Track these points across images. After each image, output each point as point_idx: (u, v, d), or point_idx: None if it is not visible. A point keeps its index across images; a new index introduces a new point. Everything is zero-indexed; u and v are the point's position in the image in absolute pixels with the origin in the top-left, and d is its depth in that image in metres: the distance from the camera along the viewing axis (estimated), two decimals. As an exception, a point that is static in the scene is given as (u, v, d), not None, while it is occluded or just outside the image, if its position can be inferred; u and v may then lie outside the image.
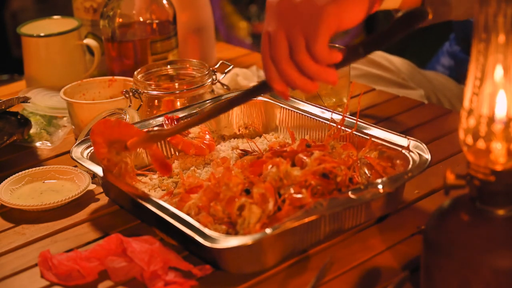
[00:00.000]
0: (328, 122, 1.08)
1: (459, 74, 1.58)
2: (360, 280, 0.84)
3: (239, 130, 1.18)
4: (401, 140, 0.99)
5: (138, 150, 1.07)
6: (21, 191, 1.06)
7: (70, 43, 1.40)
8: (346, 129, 1.05)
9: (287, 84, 0.84)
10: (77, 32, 1.41)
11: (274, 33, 0.84)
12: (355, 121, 1.05)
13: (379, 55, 1.54)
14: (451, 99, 1.51)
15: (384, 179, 0.89)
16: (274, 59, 0.84)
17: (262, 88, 0.89)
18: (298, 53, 0.81)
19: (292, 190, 0.88)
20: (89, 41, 1.42)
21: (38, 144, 1.24)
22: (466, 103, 0.71)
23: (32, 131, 1.25)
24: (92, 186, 1.05)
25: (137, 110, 1.17)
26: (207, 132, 1.12)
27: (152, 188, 1.03)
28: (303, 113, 1.12)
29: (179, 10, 1.43)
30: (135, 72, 1.21)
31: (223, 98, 1.17)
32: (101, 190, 1.05)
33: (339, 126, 1.04)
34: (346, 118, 1.06)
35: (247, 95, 0.93)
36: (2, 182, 1.06)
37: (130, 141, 0.98)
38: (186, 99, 1.19)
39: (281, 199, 0.87)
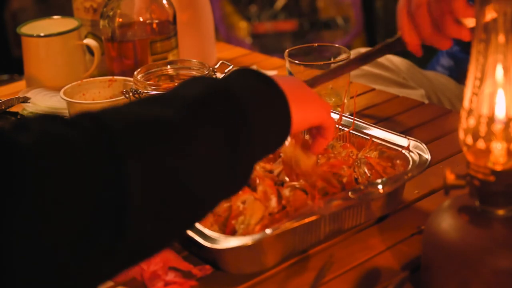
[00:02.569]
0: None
1: (459, 74, 1.58)
2: (360, 280, 0.84)
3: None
4: (401, 140, 0.99)
5: None
6: (21, 191, 1.06)
7: (70, 43, 1.40)
8: (344, 128, 1.05)
9: (422, 39, 0.89)
10: (77, 32, 1.41)
11: None
12: (353, 121, 1.05)
13: None
14: (451, 99, 1.51)
15: (384, 179, 0.89)
16: (414, 14, 0.89)
17: (396, 44, 0.94)
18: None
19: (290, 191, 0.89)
20: (89, 41, 1.42)
21: (38, 144, 1.24)
22: (466, 103, 0.71)
23: (32, 131, 1.25)
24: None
25: (137, 110, 1.16)
26: None
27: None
28: (303, 113, 1.12)
29: (179, 10, 1.43)
30: (135, 72, 1.21)
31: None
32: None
33: (336, 126, 1.04)
34: (346, 118, 1.06)
35: (381, 51, 0.97)
36: (2, 182, 1.06)
37: None
38: (186, 99, 1.19)
39: (285, 200, 0.88)
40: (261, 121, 0.69)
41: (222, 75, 1.26)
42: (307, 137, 1.10)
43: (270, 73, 1.49)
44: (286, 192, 0.89)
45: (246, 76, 0.72)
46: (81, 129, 0.58)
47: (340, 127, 1.05)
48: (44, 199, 0.53)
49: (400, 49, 0.96)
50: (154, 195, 0.59)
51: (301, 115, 0.75)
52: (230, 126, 0.65)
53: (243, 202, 0.87)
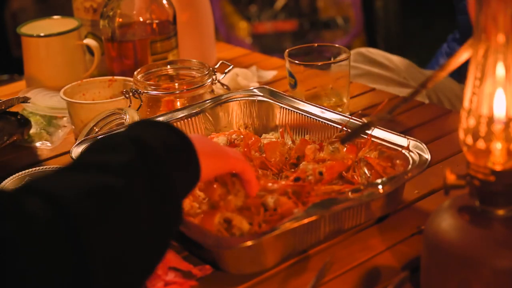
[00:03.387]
0: (328, 123, 1.08)
1: (459, 73, 1.58)
2: (360, 280, 0.84)
3: (239, 130, 1.18)
4: (401, 140, 0.99)
5: None
6: (21, 191, 1.06)
7: (70, 43, 1.40)
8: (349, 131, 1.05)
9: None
10: (77, 32, 1.41)
11: None
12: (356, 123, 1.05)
13: (380, 55, 1.54)
14: (452, 99, 1.51)
15: (384, 179, 0.89)
16: None
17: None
18: None
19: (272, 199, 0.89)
20: (89, 41, 1.42)
21: (38, 144, 1.24)
22: (466, 103, 0.71)
23: (32, 131, 1.25)
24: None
25: (137, 110, 1.17)
26: None
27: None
28: (303, 113, 1.12)
29: (179, 10, 1.43)
30: (135, 72, 1.21)
31: (223, 98, 1.17)
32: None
33: (344, 128, 1.04)
34: (345, 118, 1.06)
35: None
36: (2, 182, 1.06)
37: None
38: (186, 99, 1.19)
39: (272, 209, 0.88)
40: (177, 175, 0.76)
41: (222, 75, 1.26)
42: (307, 137, 1.10)
43: (270, 73, 1.49)
44: (270, 202, 0.89)
45: (160, 129, 0.78)
46: (41, 214, 0.61)
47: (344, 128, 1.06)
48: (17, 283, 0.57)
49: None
50: (114, 261, 0.64)
51: (210, 163, 0.82)
52: (156, 184, 0.72)
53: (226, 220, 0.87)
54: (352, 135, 0.97)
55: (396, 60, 1.54)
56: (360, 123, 1.02)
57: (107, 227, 0.64)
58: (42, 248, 0.59)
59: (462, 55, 0.91)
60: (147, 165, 0.72)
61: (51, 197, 0.63)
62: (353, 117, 1.06)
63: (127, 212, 0.67)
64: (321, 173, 0.96)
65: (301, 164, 0.99)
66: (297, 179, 0.93)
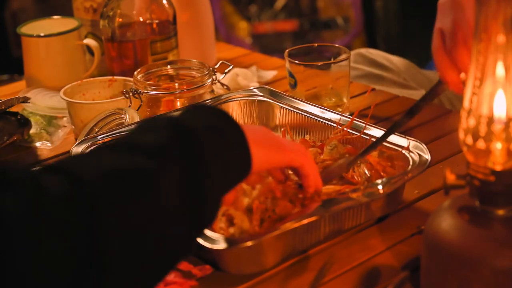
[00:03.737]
0: (328, 123, 1.08)
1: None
2: (360, 280, 0.84)
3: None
4: (401, 140, 0.99)
5: None
6: (21, 191, 1.06)
7: (70, 43, 1.40)
8: (354, 132, 1.04)
9: (464, 70, 0.88)
10: (77, 32, 1.41)
11: (451, 28, 0.90)
12: (362, 124, 1.05)
13: (380, 55, 1.54)
14: (451, 99, 1.51)
15: (384, 179, 0.89)
16: (452, 48, 0.89)
17: (438, 87, 0.94)
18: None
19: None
20: (89, 41, 1.42)
21: (38, 144, 1.24)
22: (466, 103, 0.71)
23: (32, 131, 1.25)
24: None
25: (137, 110, 1.17)
26: None
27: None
28: (303, 113, 1.12)
29: (179, 10, 1.43)
30: (135, 72, 1.21)
31: (223, 98, 1.17)
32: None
33: (345, 128, 1.04)
34: (345, 118, 1.06)
35: (424, 100, 0.97)
36: (2, 182, 1.06)
37: None
38: (186, 99, 1.19)
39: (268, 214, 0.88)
40: (219, 161, 0.70)
41: (222, 75, 1.26)
42: (307, 137, 1.10)
43: (270, 73, 1.49)
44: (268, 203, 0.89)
45: (205, 113, 0.73)
46: (59, 189, 0.59)
47: (339, 126, 1.05)
48: (25, 260, 0.55)
49: (442, 92, 0.96)
50: (129, 250, 0.61)
51: (263, 154, 0.76)
52: (192, 171, 0.66)
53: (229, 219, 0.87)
54: (356, 159, 0.96)
55: (396, 60, 1.54)
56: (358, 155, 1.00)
57: (127, 212, 0.61)
58: (53, 222, 0.57)
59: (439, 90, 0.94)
60: (184, 148, 0.66)
61: (71, 174, 0.60)
62: (355, 118, 1.06)
63: (152, 198, 0.63)
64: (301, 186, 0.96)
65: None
66: (300, 186, 0.92)
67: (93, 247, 0.58)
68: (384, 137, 0.96)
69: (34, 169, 0.61)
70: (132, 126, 0.73)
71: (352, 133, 1.04)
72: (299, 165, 0.83)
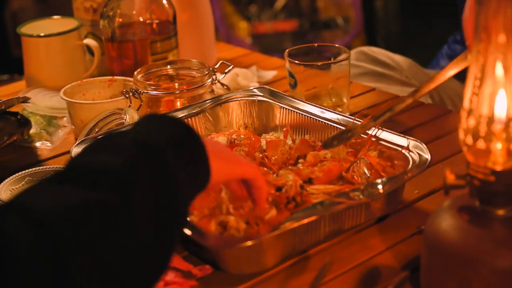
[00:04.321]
0: (328, 123, 1.08)
1: (462, 73, 1.58)
2: (360, 280, 0.84)
3: (239, 130, 1.18)
4: (401, 140, 0.99)
5: None
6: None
7: (70, 43, 1.40)
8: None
9: None
10: (77, 32, 1.41)
11: None
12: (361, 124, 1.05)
13: (382, 54, 1.54)
14: (453, 98, 1.51)
15: (384, 179, 0.89)
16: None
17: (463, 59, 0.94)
18: None
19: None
20: (89, 41, 1.42)
21: (38, 144, 1.24)
22: (466, 103, 0.71)
23: (32, 131, 1.25)
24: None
25: (137, 110, 1.17)
26: None
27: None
28: (303, 113, 1.12)
29: (179, 10, 1.43)
30: (135, 72, 1.21)
31: (223, 98, 1.17)
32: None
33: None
34: (346, 118, 1.07)
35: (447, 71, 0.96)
36: (2, 182, 1.06)
37: None
38: (186, 99, 1.19)
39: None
40: (184, 176, 0.69)
41: (222, 75, 1.25)
42: (307, 137, 1.10)
43: (270, 73, 1.49)
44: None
45: (168, 124, 0.73)
46: (19, 236, 0.55)
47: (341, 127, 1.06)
48: None
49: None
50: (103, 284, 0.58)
51: (221, 167, 0.77)
52: (161, 195, 0.66)
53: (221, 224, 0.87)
54: (334, 140, 0.97)
55: (398, 59, 1.54)
56: (343, 129, 1.01)
57: (98, 249, 0.58)
58: (23, 277, 0.54)
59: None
60: (148, 166, 0.65)
61: (32, 217, 0.56)
62: (355, 118, 1.06)
63: (121, 229, 0.61)
64: (310, 180, 0.96)
65: (280, 171, 0.98)
66: (278, 189, 0.92)
67: None
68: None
69: None
70: (89, 143, 0.70)
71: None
72: (253, 177, 0.84)
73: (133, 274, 0.62)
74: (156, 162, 0.67)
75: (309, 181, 0.96)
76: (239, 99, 1.18)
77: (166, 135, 0.70)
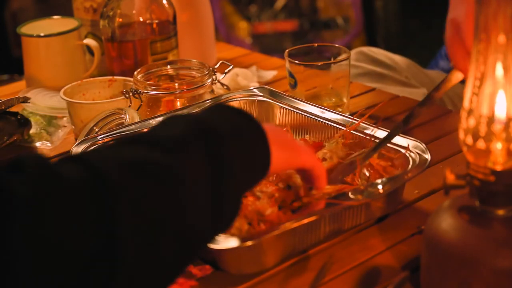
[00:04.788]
0: (328, 123, 1.08)
1: None
2: (360, 280, 0.84)
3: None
4: (401, 140, 0.98)
5: None
6: (21, 191, 1.06)
7: (70, 43, 1.40)
8: (359, 134, 1.04)
9: None
10: (77, 32, 1.41)
11: (465, 18, 0.91)
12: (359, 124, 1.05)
13: (381, 54, 1.54)
14: (453, 98, 1.51)
15: (384, 179, 0.89)
16: (466, 38, 0.91)
17: (451, 77, 0.95)
18: None
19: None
20: (89, 41, 1.42)
21: (38, 144, 1.24)
22: (466, 103, 0.71)
23: (32, 131, 1.25)
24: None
25: (137, 110, 1.17)
26: None
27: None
28: (303, 113, 1.12)
29: (179, 10, 1.43)
30: (135, 72, 1.21)
31: (223, 98, 1.17)
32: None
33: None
34: (346, 118, 1.06)
35: (437, 89, 0.99)
36: (2, 182, 1.06)
37: None
38: (186, 99, 1.19)
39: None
40: (242, 159, 0.70)
41: (222, 75, 1.26)
42: (307, 137, 1.10)
43: (270, 73, 1.49)
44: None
45: (228, 112, 0.74)
46: (75, 175, 0.58)
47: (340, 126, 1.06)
48: (35, 248, 0.53)
49: (456, 82, 0.97)
50: (145, 239, 0.59)
51: (281, 155, 0.77)
52: (212, 167, 0.66)
53: None
54: (339, 174, 0.97)
55: (398, 59, 1.54)
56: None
57: (145, 204, 0.59)
58: (64, 206, 0.55)
59: (454, 79, 0.94)
60: (206, 145, 0.66)
61: (88, 164, 0.59)
62: (354, 118, 1.06)
63: (172, 192, 0.61)
64: (310, 189, 0.95)
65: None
66: (288, 187, 0.92)
67: (108, 238, 0.56)
68: (398, 129, 0.98)
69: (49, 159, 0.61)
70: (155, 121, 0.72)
71: (357, 134, 1.04)
72: (312, 166, 0.85)
73: (172, 238, 0.61)
74: (213, 141, 0.67)
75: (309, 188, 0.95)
76: (239, 99, 1.18)
77: (226, 121, 0.71)
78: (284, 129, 1.13)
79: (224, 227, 0.69)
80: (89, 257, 0.55)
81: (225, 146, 0.68)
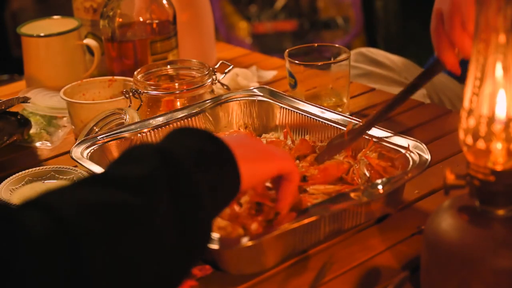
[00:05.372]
0: (328, 123, 1.08)
1: (462, 74, 1.58)
2: (360, 280, 0.84)
3: (239, 130, 1.18)
4: (401, 140, 0.99)
5: None
6: (21, 191, 1.06)
7: (70, 43, 1.40)
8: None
9: (462, 52, 0.91)
10: (77, 32, 1.41)
11: (449, 8, 0.91)
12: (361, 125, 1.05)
13: (381, 55, 1.54)
14: (452, 99, 1.51)
15: (383, 179, 0.89)
16: (450, 30, 0.91)
17: (435, 66, 0.95)
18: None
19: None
20: (89, 41, 1.42)
21: (38, 144, 1.24)
22: (466, 103, 0.71)
23: (32, 131, 1.25)
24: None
25: (137, 110, 1.17)
26: None
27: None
28: (303, 113, 1.12)
29: (179, 10, 1.43)
30: (135, 72, 1.21)
31: (223, 98, 1.17)
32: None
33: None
34: (346, 118, 1.07)
35: (421, 79, 0.98)
36: (2, 182, 1.06)
37: None
38: (186, 99, 1.19)
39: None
40: (209, 187, 0.68)
41: (222, 75, 1.26)
42: (307, 137, 1.09)
43: (270, 73, 1.49)
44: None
45: (191, 138, 0.72)
46: (39, 227, 0.55)
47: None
48: None
49: (439, 71, 0.96)
50: (119, 284, 0.58)
51: (251, 171, 0.75)
52: (180, 203, 0.64)
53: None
54: (325, 154, 0.99)
55: (397, 60, 1.54)
56: (333, 141, 1.02)
57: (116, 248, 0.57)
58: (39, 267, 0.53)
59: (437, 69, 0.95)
60: (171, 179, 0.64)
61: (52, 212, 0.56)
62: (353, 117, 1.06)
63: (141, 234, 0.60)
64: (305, 178, 0.95)
65: None
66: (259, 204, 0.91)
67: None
68: (386, 110, 0.99)
69: (11, 206, 0.59)
70: (115, 158, 0.70)
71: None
72: (289, 171, 0.82)
73: (149, 279, 0.60)
74: (177, 174, 0.66)
75: (304, 179, 0.95)
76: (239, 99, 1.18)
77: (189, 147, 0.69)
78: (284, 130, 1.13)
79: (199, 253, 0.68)
80: None
81: (192, 179, 0.66)
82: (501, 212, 0.73)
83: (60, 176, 1.08)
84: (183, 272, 0.66)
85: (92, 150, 1.02)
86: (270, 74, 1.49)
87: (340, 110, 1.22)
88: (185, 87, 1.18)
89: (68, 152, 1.05)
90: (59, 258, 0.54)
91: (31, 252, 0.53)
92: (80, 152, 1.02)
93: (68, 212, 0.57)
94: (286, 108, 1.14)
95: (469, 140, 0.71)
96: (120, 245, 0.58)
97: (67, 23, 1.44)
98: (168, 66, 1.26)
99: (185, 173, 0.66)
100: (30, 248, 0.54)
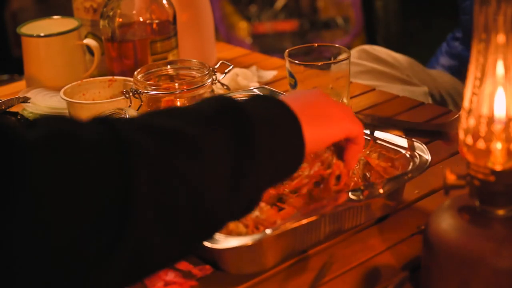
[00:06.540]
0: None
1: (464, 73, 1.58)
2: (360, 280, 0.84)
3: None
4: (401, 141, 0.98)
5: None
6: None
7: (70, 43, 1.40)
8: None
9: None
10: (77, 32, 1.41)
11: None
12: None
13: (384, 52, 1.54)
14: (454, 97, 1.51)
15: (384, 180, 0.89)
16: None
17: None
18: None
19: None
20: (89, 41, 1.42)
21: (38, 144, 1.24)
22: (466, 103, 0.71)
23: (32, 131, 1.25)
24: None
25: (137, 110, 1.17)
26: None
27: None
28: (303, 113, 1.12)
29: (179, 10, 1.43)
30: (135, 72, 1.21)
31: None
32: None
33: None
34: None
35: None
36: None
37: None
38: (186, 99, 1.19)
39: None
40: (271, 146, 0.67)
41: (222, 75, 1.26)
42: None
43: (270, 73, 1.49)
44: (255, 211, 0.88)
45: (258, 99, 0.72)
46: (91, 129, 0.57)
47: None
48: (43, 199, 0.52)
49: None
50: (160, 202, 0.57)
51: (316, 135, 0.73)
52: (239, 148, 0.64)
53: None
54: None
55: (399, 57, 1.54)
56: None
57: (164, 164, 0.57)
58: (80, 159, 0.54)
59: None
60: (234, 125, 0.64)
61: (109, 123, 0.58)
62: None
63: (191, 162, 0.59)
64: (338, 178, 0.94)
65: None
66: (317, 184, 0.90)
67: (123, 195, 0.54)
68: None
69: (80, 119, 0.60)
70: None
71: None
72: (356, 135, 0.79)
73: (187, 210, 0.60)
74: (243, 128, 0.65)
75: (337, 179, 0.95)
76: (239, 99, 1.17)
77: (259, 108, 0.68)
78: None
79: (238, 212, 0.67)
80: (100, 215, 0.54)
81: (255, 132, 0.65)
82: (501, 212, 0.73)
83: (60, 176, 1.08)
84: (221, 220, 0.65)
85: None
86: (270, 74, 1.49)
87: (340, 110, 1.22)
88: (185, 87, 1.18)
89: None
90: (107, 161, 0.55)
91: (82, 152, 0.54)
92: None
93: (129, 127, 0.58)
94: (286, 108, 1.14)
95: (469, 140, 0.71)
96: (170, 168, 0.58)
97: (67, 23, 1.44)
98: (168, 66, 1.26)
99: (251, 127, 0.65)
100: (84, 148, 0.55)
